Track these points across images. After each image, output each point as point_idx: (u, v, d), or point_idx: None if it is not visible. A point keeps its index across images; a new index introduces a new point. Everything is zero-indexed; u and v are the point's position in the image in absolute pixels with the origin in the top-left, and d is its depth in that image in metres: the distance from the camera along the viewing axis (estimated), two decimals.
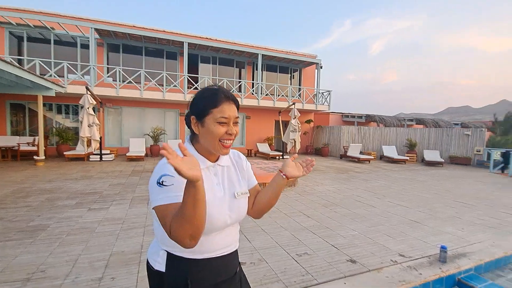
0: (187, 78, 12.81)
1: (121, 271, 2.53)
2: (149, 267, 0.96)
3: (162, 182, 0.83)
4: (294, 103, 11.85)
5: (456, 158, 12.83)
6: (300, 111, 14.96)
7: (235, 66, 15.69)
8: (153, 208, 0.84)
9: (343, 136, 14.78)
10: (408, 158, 12.82)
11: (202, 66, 14.82)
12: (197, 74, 14.18)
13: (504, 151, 10.82)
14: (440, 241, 3.46)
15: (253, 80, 15.56)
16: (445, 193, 6.44)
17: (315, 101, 15.77)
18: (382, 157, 13.98)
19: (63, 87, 10.10)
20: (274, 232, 3.65)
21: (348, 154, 13.09)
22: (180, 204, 0.76)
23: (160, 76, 12.35)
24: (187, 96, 12.54)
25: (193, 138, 1.01)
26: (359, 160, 12.48)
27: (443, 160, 12.09)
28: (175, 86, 12.79)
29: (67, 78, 10.92)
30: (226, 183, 1.00)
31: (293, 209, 4.73)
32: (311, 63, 16.02)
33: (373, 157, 12.90)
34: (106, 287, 2.26)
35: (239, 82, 15.01)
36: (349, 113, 18.46)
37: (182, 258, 0.91)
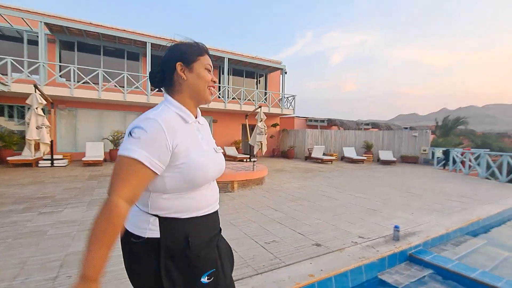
0: None
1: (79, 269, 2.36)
2: (134, 239, 0.89)
3: (131, 133, 0.83)
4: (260, 107, 12.02)
5: (406, 157, 14.11)
6: (266, 114, 15.26)
7: None
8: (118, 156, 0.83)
9: (307, 139, 15.39)
10: (365, 158, 13.80)
11: None
12: None
13: (445, 149, 12.19)
14: (394, 223, 3.79)
15: (219, 83, 15.56)
16: (398, 186, 7.06)
17: (281, 105, 16.25)
18: (343, 158, 14.82)
19: (6, 85, 9.09)
20: (243, 224, 3.68)
21: (312, 155, 13.65)
22: (141, 168, 0.81)
23: (120, 76, 11.71)
24: (151, 98, 12.08)
25: (171, 91, 0.99)
26: (322, 161, 13.09)
27: (395, 159, 13.23)
28: (137, 87, 12.25)
29: (11, 76, 9.84)
30: (206, 139, 1.03)
31: (261, 204, 4.82)
32: (276, 69, 16.54)
33: (335, 158, 13.63)
34: (63, 285, 2.10)
35: None
36: (312, 118, 19.31)
37: (178, 219, 0.90)
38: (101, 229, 0.75)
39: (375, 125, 19.94)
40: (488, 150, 12.66)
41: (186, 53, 0.97)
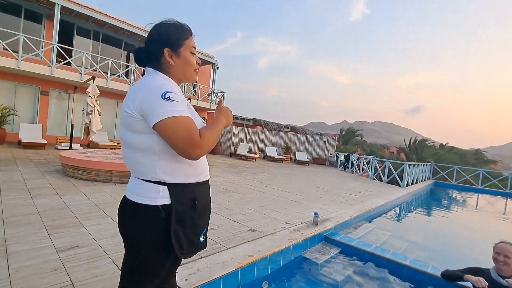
0: (57, 49, 10.26)
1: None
2: (146, 208, 0.92)
3: (169, 97, 0.87)
4: (93, 78, 8.38)
5: (317, 159, 16.22)
6: (195, 108, 14.92)
7: (123, 48, 13.96)
8: (160, 121, 0.85)
9: (233, 135, 15.80)
10: (285, 157, 15.17)
11: (79, 39, 12.36)
12: (72, 47, 11.56)
13: (346, 154, 14.60)
14: (313, 212, 4.43)
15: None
16: (312, 183, 8.12)
17: (209, 100, 16.15)
18: (265, 156, 15.88)
19: None
20: None
21: (238, 152, 14.12)
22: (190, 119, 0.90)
23: (15, 38, 9.35)
24: (55, 71, 10.10)
25: (158, 69, 1.02)
26: (247, 158, 13.71)
27: (309, 160, 15.05)
28: (37, 55, 10.04)
29: None
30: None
31: None
32: (208, 62, 16.34)
33: (258, 156, 14.48)
34: None
35: (127, 66, 13.40)
36: (239, 116, 19.90)
37: (186, 185, 0.97)
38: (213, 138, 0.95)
39: (293, 128, 22.07)
40: (375, 157, 15.84)
41: (173, 39, 1.00)
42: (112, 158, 5.51)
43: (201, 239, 1.03)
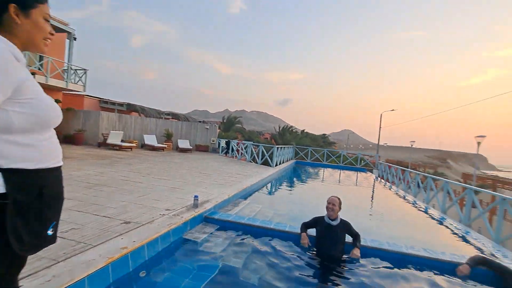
0: None
1: None
2: None
3: None
4: None
5: (200, 146, 16.39)
6: (43, 87, 11.69)
7: None
8: None
9: (102, 122, 13.56)
10: (166, 146, 14.46)
11: None
12: None
13: (227, 141, 15.48)
14: (193, 196, 4.52)
15: None
16: (194, 169, 8.19)
17: (65, 78, 13.06)
18: (143, 145, 14.58)
19: None
20: None
21: (108, 141, 12.28)
22: None
23: None
24: None
25: None
26: (120, 148, 12.16)
27: (191, 147, 15.00)
28: None
29: None
30: None
31: None
32: (62, 31, 13.04)
33: (135, 145, 13.12)
34: None
35: None
36: (108, 100, 17.22)
37: (30, 171, 0.82)
38: None
39: (175, 116, 21.24)
40: (252, 142, 17.62)
41: None
42: None
43: (50, 232, 0.90)
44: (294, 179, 11.91)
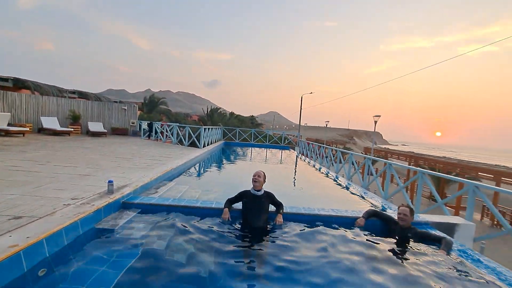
0: None
1: None
2: None
3: None
4: None
5: (117, 129, 14.65)
6: None
7: None
8: None
9: None
10: (72, 129, 12.39)
11: None
12: None
13: (149, 122, 14.29)
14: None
15: None
16: (109, 154, 7.31)
17: None
18: (41, 130, 12.13)
19: None
20: None
21: None
22: None
23: None
24: None
25: None
26: (8, 133, 9.81)
27: (106, 131, 13.28)
28: None
29: None
30: None
31: None
32: None
33: (28, 129, 10.79)
34: None
35: None
36: None
37: None
38: None
39: (83, 95, 18.24)
40: (178, 124, 16.75)
41: None
42: None
43: None
44: (223, 159, 12.00)
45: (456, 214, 13.03)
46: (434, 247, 2.95)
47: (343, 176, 8.27)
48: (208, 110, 28.63)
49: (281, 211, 3.41)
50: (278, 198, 3.54)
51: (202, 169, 8.54)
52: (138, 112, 18.86)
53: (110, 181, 3.49)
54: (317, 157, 11.89)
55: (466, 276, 2.43)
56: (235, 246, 2.85)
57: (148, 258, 2.47)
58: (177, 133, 12.16)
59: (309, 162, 11.77)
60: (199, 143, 11.34)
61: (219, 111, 29.67)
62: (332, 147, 12.33)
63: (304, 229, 3.30)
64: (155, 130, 13.36)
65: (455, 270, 2.51)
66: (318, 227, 3.36)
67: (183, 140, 11.84)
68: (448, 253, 2.80)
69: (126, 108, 15.02)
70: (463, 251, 2.91)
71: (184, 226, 3.10)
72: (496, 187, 10.95)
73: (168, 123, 13.95)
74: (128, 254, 2.49)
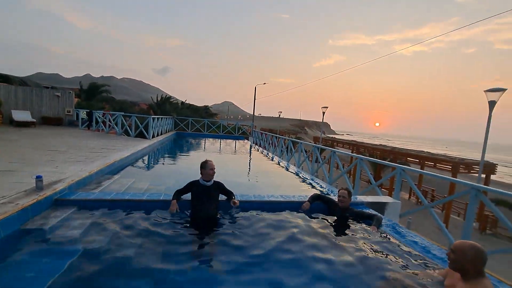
0: None
1: None
2: None
3: None
4: None
5: (48, 118, 12.93)
6: None
7: None
8: None
9: None
10: None
11: None
12: None
13: (88, 111, 12.93)
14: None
15: None
16: (41, 147, 6.45)
17: None
18: None
19: None
20: None
21: None
22: None
23: None
24: None
25: None
26: None
27: (35, 120, 11.61)
28: None
29: None
30: None
31: None
32: None
33: None
34: None
35: None
36: None
37: None
38: None
39: (3, 78, 15.58)
40: (122, 113, 15.49)
41: None
42: None
43: None
44: (175, 150, 11.54)
45: (390, 194, 14.83)
46: (367, 224, 3.33)
47: (294, 165, 8.69)
48: (159, 99, 27.07)
49: (233, 197, 3.45)
50: (232, 188, 3.56)
51: (152, 161, 8.12)
52: (75, 100, 16.94)
53: (38, 177, 3.09)
54: (270, 146, 12.24)
55: (389, 245, 2.82)
56: (184, 238, 2.80)
57: (87, 257, 2.29)
58: (122, 123, 11.27)
59: (262, 152, 12.05)
60: (148, 134, 10.71)
61: (170, 100, 28.26)
62: (284, 137, 12.81)
63: (254, 215, 3.40)
64: (96, 119, 12.17)
65: (381, 241, 2.88)
66: (268, 213, 3.49)
67: (129, 130, 11.03)
68: (379, 228, 3.18)
69: (59, 94, 13.32)
70: (391, 226, 3.35)
71: (129, 222, 2.93)
72: (420, 170, 12.68)
73: (111, 112, 12.80)
74: (63, 255, 2.27)
